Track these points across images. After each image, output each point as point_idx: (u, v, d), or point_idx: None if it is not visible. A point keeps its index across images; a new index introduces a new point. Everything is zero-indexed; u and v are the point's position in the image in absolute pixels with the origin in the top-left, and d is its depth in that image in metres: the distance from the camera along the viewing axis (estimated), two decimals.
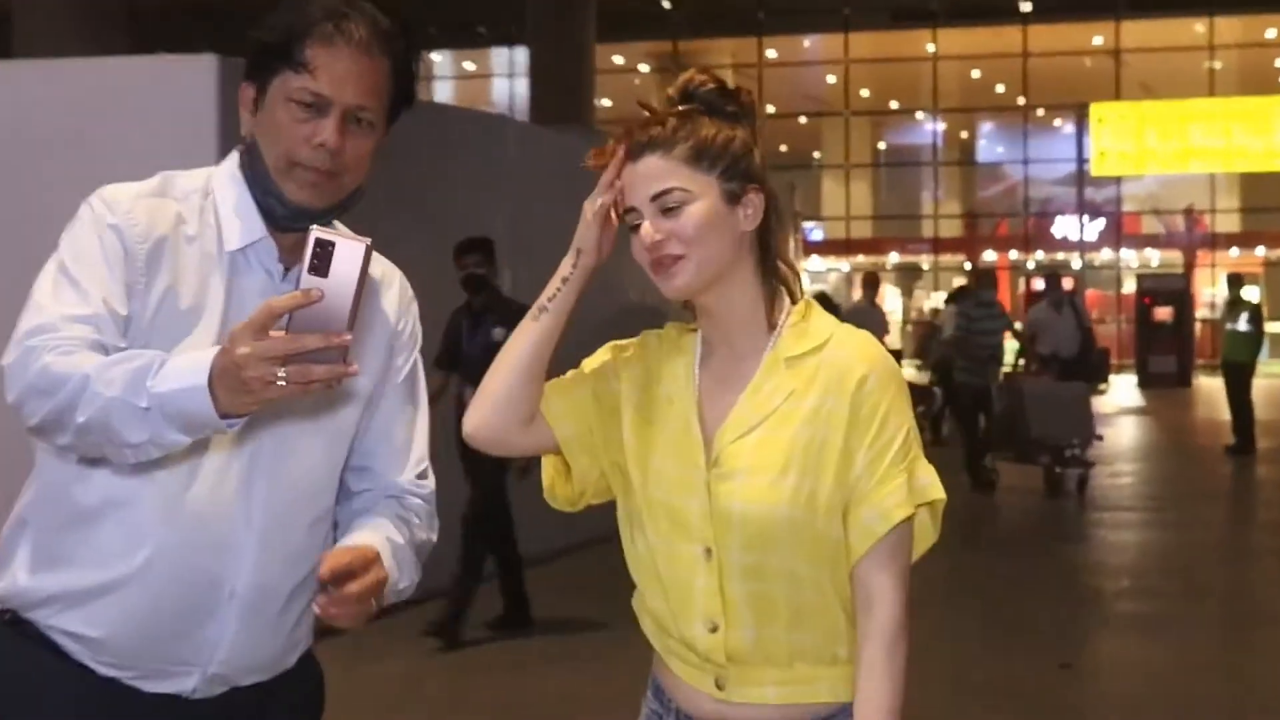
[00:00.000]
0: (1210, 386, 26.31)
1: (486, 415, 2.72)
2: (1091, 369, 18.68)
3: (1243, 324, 18.74)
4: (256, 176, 2.66)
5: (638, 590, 2.75)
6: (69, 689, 2.68)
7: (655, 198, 2.58)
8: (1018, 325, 17.86)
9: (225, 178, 2.71)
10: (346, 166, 2.61)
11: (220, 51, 8.20)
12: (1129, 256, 35.47)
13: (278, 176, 2.61)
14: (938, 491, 2.61)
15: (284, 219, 2.64)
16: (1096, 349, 19.59)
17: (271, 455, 2.69)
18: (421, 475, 2.89)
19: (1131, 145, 19.54)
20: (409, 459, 2.88)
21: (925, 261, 39.85)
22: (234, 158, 2.74)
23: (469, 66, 38.80)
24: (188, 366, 2.34)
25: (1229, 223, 37.14)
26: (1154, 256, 36.81)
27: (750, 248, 2.64)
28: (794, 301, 2.70)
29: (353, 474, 2.85)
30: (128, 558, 2.63)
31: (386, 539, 2.69)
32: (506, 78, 35.53)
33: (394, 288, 2.86)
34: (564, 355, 2.72)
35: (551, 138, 12.34)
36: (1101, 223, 34.56)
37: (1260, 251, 36.67)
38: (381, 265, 2.83)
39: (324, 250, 2.25)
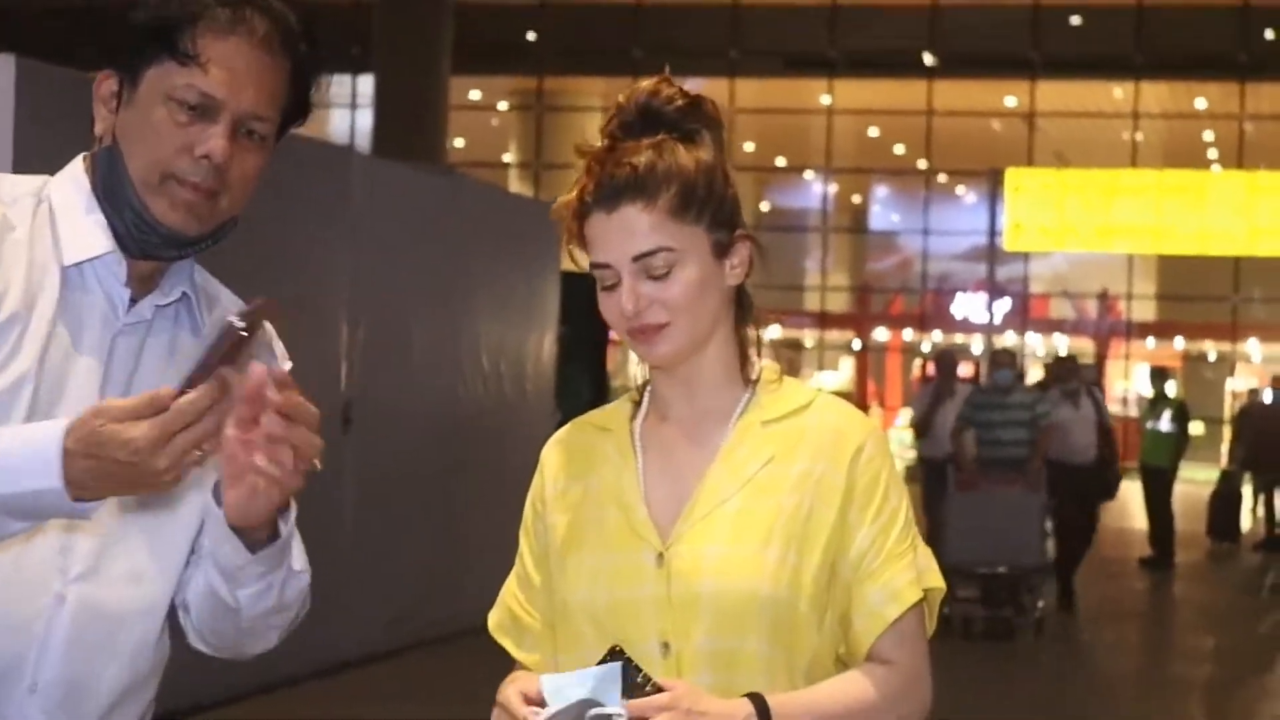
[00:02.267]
0: (1125, 490, 26.42)
1: None
2: (1107, 485, 16.22)
3: (1165, 424, 18.85)
4: (112, 188, 2.46)
5: None
6: None
7: (639, 258, 2.49)
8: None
9: (67, 185, 2.52)
10: (229, 185, 2.45)
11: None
12: (1035, 342, 35.71)
13: (145, 191, 2.42)
14: (938, 579, 2.59)
15: (141, 244, 2.47)
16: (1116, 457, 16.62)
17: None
18: None
19: (1052, 218, 19.51)
20: None
21: (809, 338, 39.92)
22: (78, 164, 2.55)
23: None
24: (32, 450, 2.18)
25: (1145, 310, 37.60)
26: (1063, 344, 37.11)
27: (730, 300, 2.60)
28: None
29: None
30: None
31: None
32: (348, 109, 35.16)
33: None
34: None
35: (402, 173, 12.33)
36: (1007, 303, 34.75)
37: (1179, 344, 37.16)
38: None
39: (241, 341, 2.17)
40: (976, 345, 36.21)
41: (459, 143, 30.92)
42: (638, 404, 2.70)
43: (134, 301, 2.51)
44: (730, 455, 2.58)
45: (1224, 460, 23.39)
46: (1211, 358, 38.22)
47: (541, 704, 2.41)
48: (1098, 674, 12.34)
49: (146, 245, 2.44)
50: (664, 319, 2.50)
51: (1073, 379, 15.85)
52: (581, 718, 2.36)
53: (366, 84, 27.86)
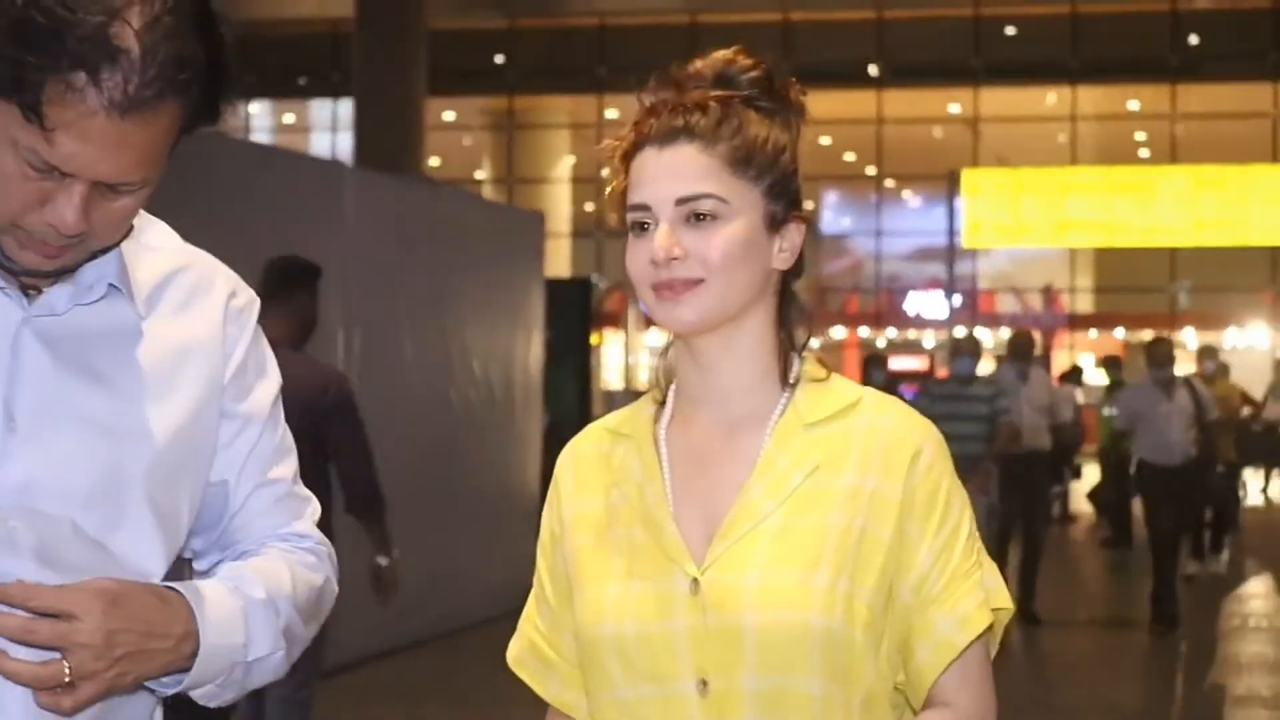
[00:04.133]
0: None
1: None
2: (1207, 489, 13.63)
3: None
4: None
5: None
6: None
7: (683, 201, 2.13)
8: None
9: None
10: (93, 233, 2.03)
11: None
12: (984, 336, 35.50)
13: None
14: (1007, 598, 2.20)
15: (4, 268, 2.09)
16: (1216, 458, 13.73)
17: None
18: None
19: (1007, 216, 19.19)
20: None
21: None
22: None
23: (288, 119, 38.03)
24: None
25: (1086, 303, 37.51)
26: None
27: (775, 288, 2.23)
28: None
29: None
30: None
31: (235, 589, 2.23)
32: (329, 132, 34.87)
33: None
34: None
35: (391, 186, 12.17)
36: (958, 299, 34.68)
37: (1120, 334, 37.05)
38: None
39: None
40: (928, 340, 36.12)
41: (435, 161, 30.51)
42: (661, 405, 2.30)
43: (29, 294, 2.11)
44: (770, 465, 2.18)
45: None
46: None
47: None
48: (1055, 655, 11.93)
49: (11, 269, 2.04)
50: (699, 274, 2.12)
51: (1167, 365, 12.56)
52: None
53: (346, 108, 27.56)
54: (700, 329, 2.16)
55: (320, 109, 36.27)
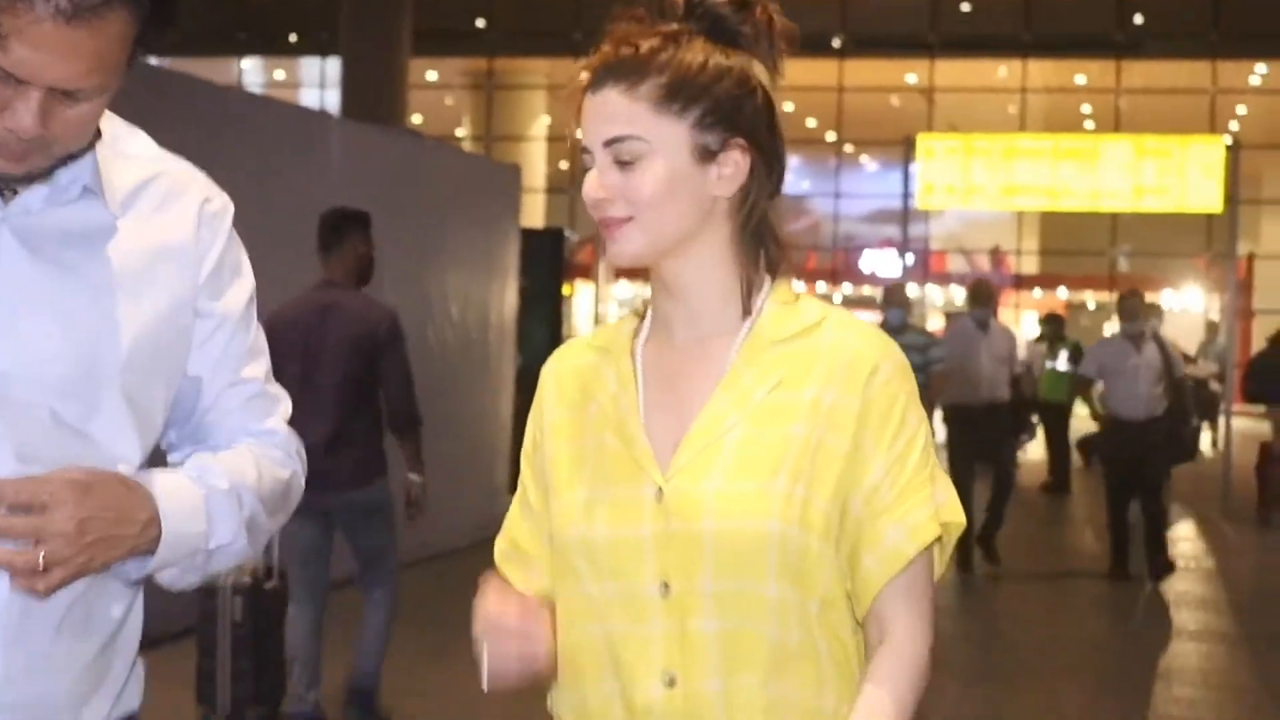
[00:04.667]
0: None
1: None
2: (1182, 444, 12.73)
3: (1062, 363, 18.63)
4: None
5: (556, 686, 2.25)
6: None
7: (609, 143, 2.13)
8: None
9: None
10: (56, 139, 2.02)
11: None
12: (935, 294, 35.59)
13: None
14: (959, 513, 2.15)
15: None
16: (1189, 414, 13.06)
17: None
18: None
19: (959, 179, 19.29)
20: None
21: None
22: None
23: (279, 75, 37.79)
24: None
25: (1031, 264, 37.60)
26: (959, 294, 37.03)
27: (727, 214, 2.17)
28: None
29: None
30: None
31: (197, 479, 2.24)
32: (317, 89, 34.65)
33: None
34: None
35: (375, 136, 12.10)
36: (910, 258, 34.68)
37: (1063, 293, 37.18)
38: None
39: None
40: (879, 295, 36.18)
41: (417, 119, 30.39)
42: (640, 321, 2.30)
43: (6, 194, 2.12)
44: (734, 380, 2.16)
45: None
46: (1091, 306, 38.18)
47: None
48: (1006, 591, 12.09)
49: None
50: (625, 213, 2.12)
51: (1139, 318, 12.08)
52: None
53: (334, 66, 27.39)
54: (637, 262, 2.17)
55: (309, 66, 35.96)
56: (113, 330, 2.16)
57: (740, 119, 2.14)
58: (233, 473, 2.27)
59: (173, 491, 2.19)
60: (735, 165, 2.14)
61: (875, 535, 2.11)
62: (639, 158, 2.09)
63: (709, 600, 2.11)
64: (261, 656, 6.59)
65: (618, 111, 2.10)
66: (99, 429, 2.15)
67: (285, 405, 2.44)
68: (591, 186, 2.12)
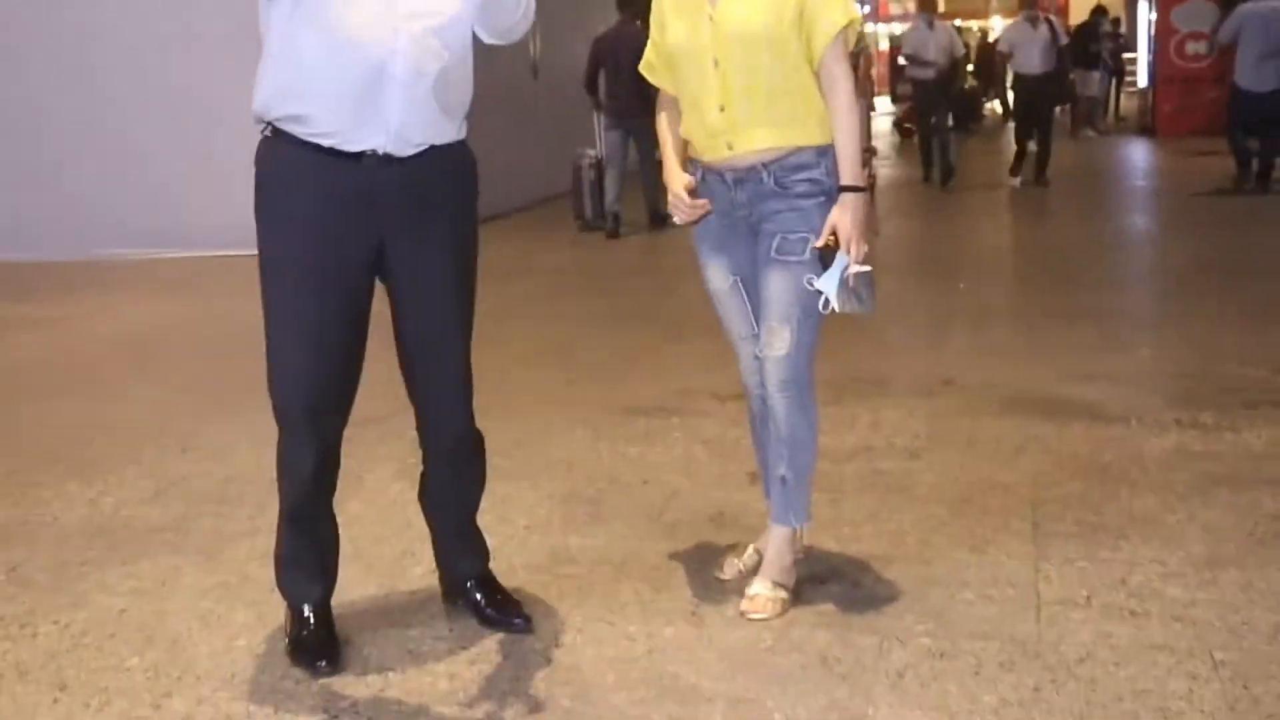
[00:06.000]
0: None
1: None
2: (1062, 90, 18.39)
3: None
4: None
5: (683, 126, 3.68)
6: (306, 157, 3.17)
7: None
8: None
9: None
10: None
11: None
12: None
13: None
14: (856, 12, 3.56)
15: None
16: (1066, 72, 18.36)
17: None
18: None
19: None
20: None
21: None
22: None
23: None
24: None
25: None
26: None
27: None
28: None
29: None
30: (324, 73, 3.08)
31: None
32: None
33: None
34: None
35: None
36: None
37: None
38: None
39: None
40: None
41: None
42: None
43: None
44: None
45: None
46: None
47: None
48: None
49: None
50: None
51: (1033, 7, 16.27)
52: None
53: None
54: None
55: None
56: None
57: None
58: None
59: None
60: None
61: (816, 27, 3.47)
62: None
63: (737, 67, 3.47)
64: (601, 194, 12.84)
65: None
66: None
67: None
68: None
